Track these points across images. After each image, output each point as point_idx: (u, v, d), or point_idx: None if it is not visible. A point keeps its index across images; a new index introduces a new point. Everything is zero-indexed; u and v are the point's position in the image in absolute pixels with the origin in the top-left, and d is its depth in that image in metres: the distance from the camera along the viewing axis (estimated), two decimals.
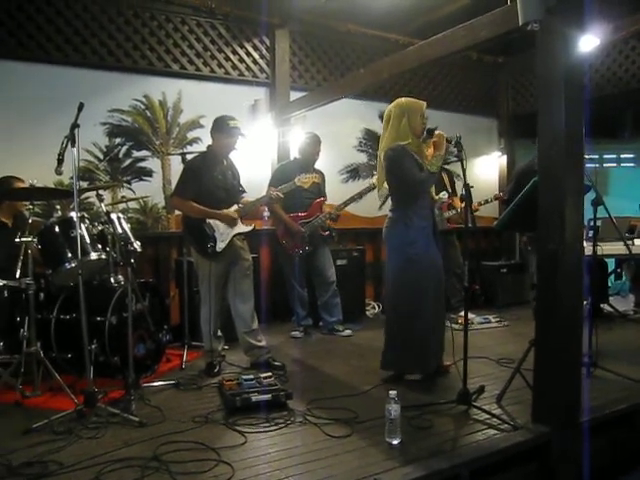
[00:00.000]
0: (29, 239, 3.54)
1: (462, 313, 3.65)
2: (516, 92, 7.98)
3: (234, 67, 6.06)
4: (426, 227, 3.70)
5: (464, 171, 3.24)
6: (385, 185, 3.82)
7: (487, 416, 3.09)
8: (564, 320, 2.92)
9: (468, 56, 7.13)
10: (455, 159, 3.43)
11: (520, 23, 2.87)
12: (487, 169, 7.95)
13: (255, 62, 6.19)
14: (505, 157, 8.02)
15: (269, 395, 3.28)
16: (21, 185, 4.06)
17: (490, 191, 6.83)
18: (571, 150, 2.88)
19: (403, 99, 3.75)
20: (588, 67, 2.91)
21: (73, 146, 3.15)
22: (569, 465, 2.93)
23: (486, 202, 5.86)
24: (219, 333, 4.24)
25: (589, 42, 4.73)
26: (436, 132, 3.60)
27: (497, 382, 3.61)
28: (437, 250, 3.75)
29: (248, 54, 6.14)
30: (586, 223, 3.69)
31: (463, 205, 3.56)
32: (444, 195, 5.39)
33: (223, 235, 4.02)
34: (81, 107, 3.18)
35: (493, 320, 5.79)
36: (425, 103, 3.74)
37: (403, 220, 3.70)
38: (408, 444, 2.76)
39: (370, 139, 6.95)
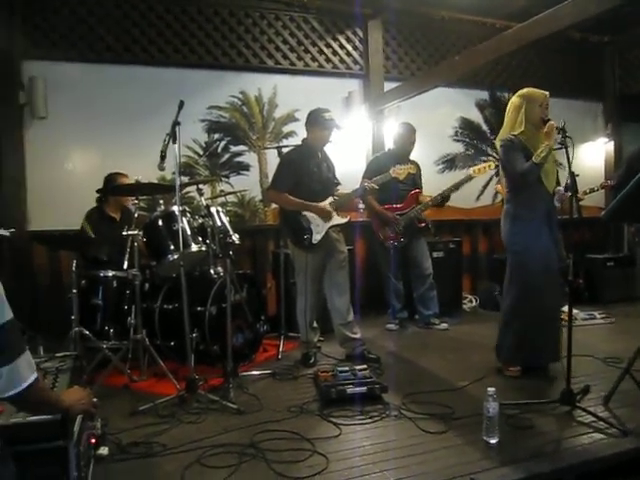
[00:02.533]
0: (135, 232, 3.74)
1: (565, 308, 3.47)
2: (625, 71, 7.45)
3: (327, 60, 6.08)
4: (534, 219, 3.62)
5: (569, 159, 3.07)
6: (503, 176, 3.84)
7: (593, 419, 2.91)
8: None
9: (570, 37, 6.74)
10: (559, 146, 3.25)
11: None
12: (592, 156, 7.50)
13: (348, 54, 6.18)
14: (612, 143, 7.53)
15: (364, 387, 3.27)
16: (126, 181, 4.30)
17: (596, 179, 6.43)
18: None
19: (525, 89, 3.69)
20: None
21: (174, 143, 3.28)
22: None
23: (592, 191, 5.53)
24: (315, 324, 4.29)
25: None
26: (549, 122, 3.46)
27: (603, 382, 3.39)
28: (550, 242, 3.64)
29: (341, 46, 6.14)
30: None
31: (568, 194, 3.37)
32: (560, 189, 5.16)
33: (319, 227, 4.05)
34: (181, 105, 3.31)
35: (598, 316, 5.48)
36: (547, 93, 3.64)
37: (512, 212, 3.69)
38: (506, 444, 2.66)
39: (466, 128, 6.75)
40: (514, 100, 3.69)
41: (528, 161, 3.50)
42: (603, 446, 2.66)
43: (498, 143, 3.73)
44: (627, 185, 3.19)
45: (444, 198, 5.16)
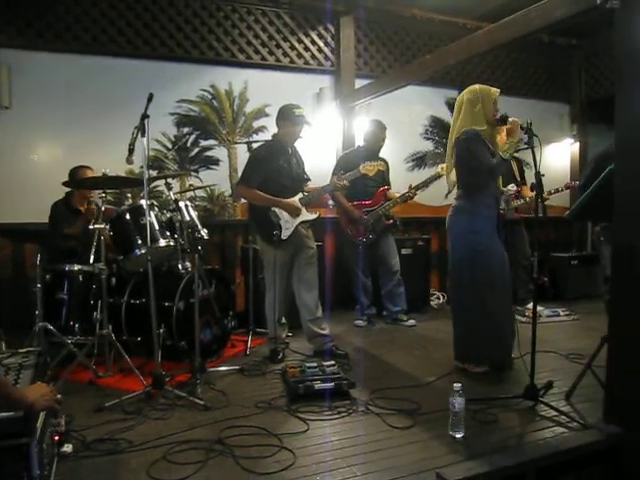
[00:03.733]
0: (102, 226, 3.68)
1: (530, 306, 3.53)
2: (590, 76, 7.60)
3: (299, 56, 6.07)
4: (491, 216, 3.62)
5: (535, 159, 3.13)
6: (454, 172, 3.75)
7: (555, 413, 2.98)
8: None
9: (539, 39, 6.86)
10: (525, 147, 3.30)
11: (598, 1, 2.74)
12: (558, 157, 7.64)
13: (320, 50, 6.17)
14: (577, 144, 7.69)
15: (332, 383, 3.29)
16: (91, 174, 4.23)
17: (561, 180, 6.56)
18: None
19: (477, 85, 3.68)
20: None
21: (143, 136, 3.24)
22: None
23: (557, 191, 5.63)
24: (283, 320, 4.29)
25: None
26: (510, 119, 3.50)
27: (566, 378, 3.46)
28: (500, 241, 3.65)
29: (313, 42, 6.13)
30: None
31: (533, 194, 3.43)
32: (512, 187, 5.25)
33: (288, 223, 4.05)
34: (151, 98, 3.27)
35: (562, 314, 5.59)
36: (498, 90, 3.64)
37: (469, 209, 3.63)
38: (472, 438, 2.70)
39: (436, 126, 6.82)
40: (467, 95, 3.64)
41: (492, 156, 3.52)
42: (565, 439, 2.72)
43: (458, 136, 3.61)
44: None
45: (412, 195, 5.20)
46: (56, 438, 2.29)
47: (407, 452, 2.59)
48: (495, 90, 3.63)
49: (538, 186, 3.16)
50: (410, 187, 5.18)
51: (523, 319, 4.33)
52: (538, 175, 3.15)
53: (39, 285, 3.52)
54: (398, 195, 5.23)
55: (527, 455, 2.57)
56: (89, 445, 2.61)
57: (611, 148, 4.14)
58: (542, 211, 3.19)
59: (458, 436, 2.71)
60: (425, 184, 5.16)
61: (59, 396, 2.01)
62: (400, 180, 5.68)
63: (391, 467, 2.44)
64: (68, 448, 2.44)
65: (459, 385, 2.72)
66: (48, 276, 3.80)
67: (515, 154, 5.33)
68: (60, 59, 5.07)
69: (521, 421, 2.96)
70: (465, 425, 2.73)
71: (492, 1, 5.96)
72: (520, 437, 2.77)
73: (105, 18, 5.18)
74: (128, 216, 3.86)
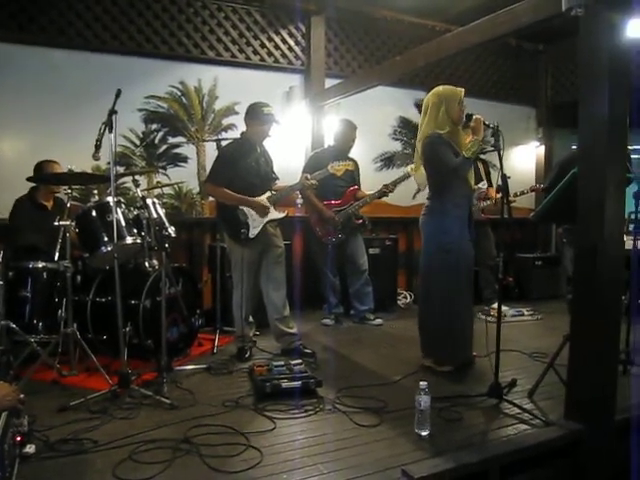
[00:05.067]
0: (67, 223, 3.61)
1: (495, 305, 3.60)
2: (556, 80, 7.77)
3: (269, 54, 6.05)
4: (462, 216, 3.68)
5: (501, 160, 3.18)
6: (423, 173, 3.80)
7: (518, 411, 3.05)
8: (601, 315, 2.84)
9: (507, 43, 6.99)
10: (492, 149, 3.36)
11: (563, 8, 2.80)
12: (524, 159, 7.79)
13: (290, 49, 6.17)
14: (543, 147, 7.85)
15: (299, 382, 3.29)
16: (57, 169, 4.15)
17: (527, 182, 6.71)
18: (614, 140, 2.78)
19: (441, 87, 3.71)
20: (636, 54, 2.82)
21: (110, 132, 3.18)
22: (601, 464, 2.87)
23: (522, 193, 5.74)
24: (251, 319, 4.27)
25: (637, 27, 4.56)
26: (474, 117, 3.55)
27: (529, 376, 3.54)
28: (469, 240, 3.72)
29: (283, 41, 6.13)
30: (627, 216, 3.59)
31: (499, 196, 3.50)
32: (484, 185, 5.32)
33: (256, 222, 4.04)
34: (118, 93, 3.22)
35: (526, 313, 5.71)
36: (463, 90, 3.69)
37: (439, 208, 3.69)
38: (437, 436, 2.74)
39: (405, 127, 6.88)
40: (431, 99, 3.69)
41: (457, 157, 3.57)
42: (527, 436, 2.79)
43: (422, 142, 3.69)
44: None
45: (382, 194, 5.23)
46: (18, 439, 2.24)
47: (373, 449, 2.62)
48: (460, 90, 3.68)
49: (504, 187, 3.22)
50: (384, 185, 5.19)
51: (489, 318, 4.38)
52: (504, 177, 3.20)
53: (1, 282, 3.43)
54: (369, 194, 5.25)
55: (491, 452, 2.61)
56: (53, 445, 2.56)
57: (574, 153, 4.26)
58: (508, 212, 3.25)
59: (424, 434, 2.74)
60: (394, 184, 5.20)
61: (22, 396, 1.97)
62: (369, 180, 5.72)
63: (357, 464, 2.46)
64: (31, 449, 2.39)
65: (425, 384, 2.76)
66: (11, 273, 3.71)
67: (482, 156, 5.45)
68: (25, 51, 4.95)
69: (485, 419, 3.02)
70: (431, 423, 2.76)
71: (461, 4, 6.06)
72: (484, 434, 2.82)
73: (71, 10, 5.08)
74: (94, 213, 3.80)
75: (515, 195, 5.68)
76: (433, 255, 3.72)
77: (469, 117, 3.58)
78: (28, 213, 4.16)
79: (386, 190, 5.19)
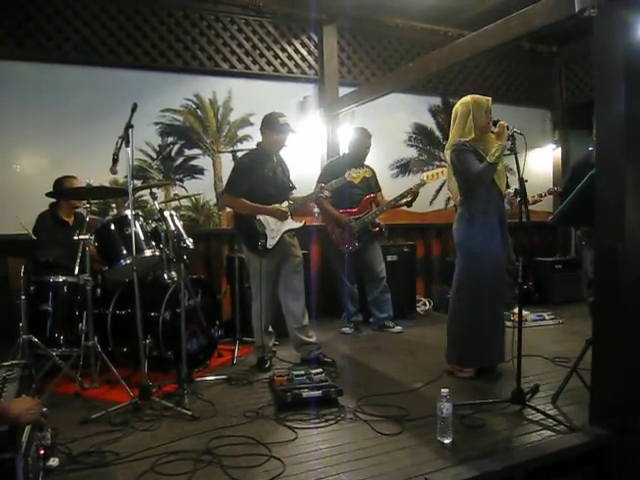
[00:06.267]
0: (87, 237, 3.66)
1: (515, 310, 3.56)
2: (570, 82, 7.71)
3: (283, 64, 6.09)
4: (490, 222, 3.70)
5: (518, 164, 3.16)
6: (453, 181, 3.87)
7: (542, 417, 3.00)
8: (623, 317, 2.79)
9: (520, 46, 6.95)
10: (509, 152, 3.35)
11: (577, 9, 2.78)
12: (541, 162, 7.74)
13: (303, 59, 6.21)
14: (559, 149, 7.78)
15: (320, 391, 3.28)
16: (76, 184, 4.20)
17: (544, 185, 6.63)
18: (632, 140, 2.74)
19: (469, 97, 3.76)
20: None
21: (127, 146, 3.23)
22: (628, 470, 2.81)
23: (540, 197, 5.70)
24: (270, 329, 4.27)
25: None
26: (499, 122, 3.55)
27: (552, 382, 3.50)
28: (501, 245, 3.73)
29: (296, 51, 6.17)
30: None
31: (517, 200, 3.48)
32: (512, 190, 5.27)
33: (273, 232, 4.04)
34: (134, 108, 3.26)
35: (547, 317, 5.64)
36: (490, 99, 3.74)
37: (466, 215, 3.74)
38: (460, 443, 2.71)
39: (420, 133, 6.87)
40: (460, 108, 3.76)
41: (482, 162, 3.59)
42: (551, 443, 2.74)
43: (449, 150, 3.79)
44: (572, 191, 3.31)
45: (414, 195, 5.16)
46: (42, 452, 2.26)
47: (395, 458, 2.59)
48: (487, 99, 3.73)
49: (522, 191, 3.20)
50: (410, 189, 5.15)
51: (509, 323, 4.33)
52: (521, 180, 3.19)
53: (23, 297, 3.47)
54: (392, 199, 5.21)
55: (515, 459, 2.58)
56: (75, 458, 2.58)
57: (586, 156, 4.23)
58: (526, 216, 3.23)
59: (446, 441, 2.71)
60: (414, 194, 5.16)
61: (44, 409, 1.99)
62: (385, 187, 5.70)
63: (380, 474, 2.44)
64: (54, 462, 2.41)
65: (446, 391, 2.73)
66: (32, 287, 3.76)
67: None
68: (41, 68, 5.05)
69: (508, 425, 2.97)
70: (453, 430, 2.74)
71: (473, 9, 6.04)
72: (507, 441, 2.78)
73: (87, 28, 5.17)
74: (113, 226, 3.84)
75: (540, 196, 5.64)
76: (462, 261, 3.80)
77: (494, 123, 3.59)
78: (50, 228, 4.21)
79: (414, 191, 5.10)
